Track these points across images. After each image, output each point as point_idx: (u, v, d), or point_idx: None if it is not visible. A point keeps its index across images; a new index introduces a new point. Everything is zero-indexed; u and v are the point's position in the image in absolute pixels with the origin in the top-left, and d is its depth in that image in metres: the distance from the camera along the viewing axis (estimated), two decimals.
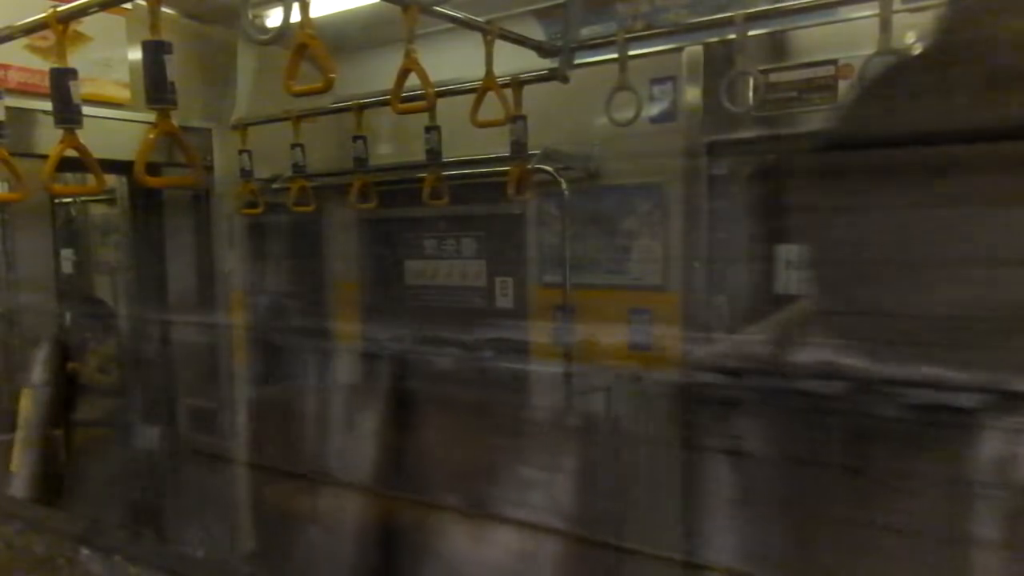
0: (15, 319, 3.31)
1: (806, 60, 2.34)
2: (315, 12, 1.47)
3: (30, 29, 1.90)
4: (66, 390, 3.22)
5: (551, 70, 2.19)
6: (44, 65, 2.22)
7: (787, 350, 1.84)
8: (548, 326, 2.94)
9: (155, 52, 1.57)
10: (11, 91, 2.31)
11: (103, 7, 1.79)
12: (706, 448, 2.01)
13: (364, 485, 2.96)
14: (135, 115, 2.72)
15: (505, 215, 3.09)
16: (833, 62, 2.29)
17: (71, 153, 1.78)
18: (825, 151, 1.40)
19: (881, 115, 1.27)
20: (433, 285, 3.42)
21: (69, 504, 3.15)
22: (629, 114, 2.19)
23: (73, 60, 1.75)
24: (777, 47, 2.41)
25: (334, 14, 2.71)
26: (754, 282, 2.50)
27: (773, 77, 2.36)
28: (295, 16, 1.39)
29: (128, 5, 2.23)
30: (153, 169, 2.54)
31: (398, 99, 1.85)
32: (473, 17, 2.02)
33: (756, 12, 2.01)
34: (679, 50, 2.46)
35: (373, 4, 2.40)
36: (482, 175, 2.87)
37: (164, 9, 1.55)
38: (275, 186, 3.16)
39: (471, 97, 2.17)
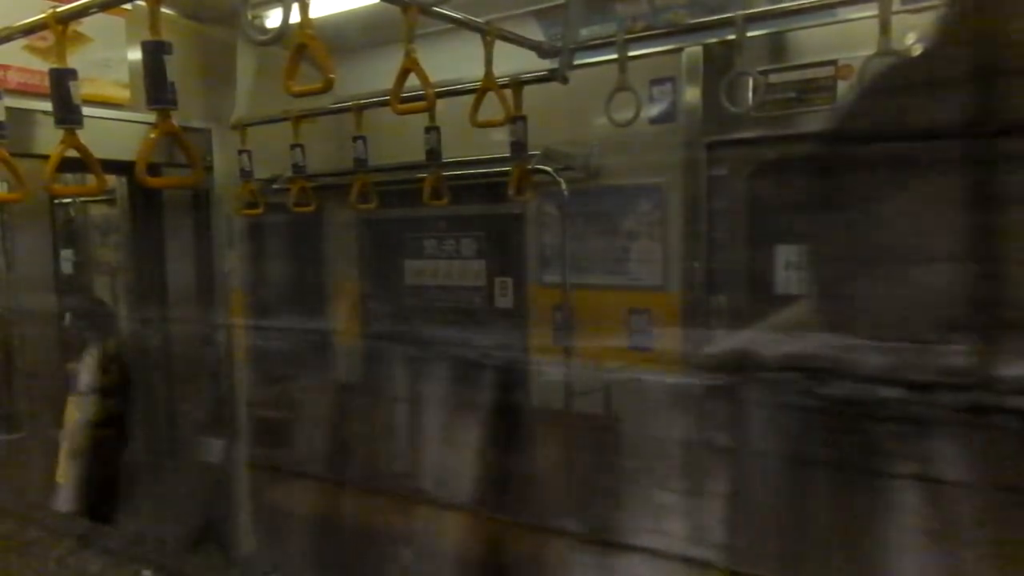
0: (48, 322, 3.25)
1: (805, 61, 2.34)
2: (315, 12, 1.46)
3: (30, 30, 1.89)
4: (115, 398, 3.17)
5: (551, 71, 2.19)
6: (44, 66, 2.22)
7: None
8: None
9: (155, 52, 1.56)
10: (11, 92, 2.31)
11: (103, 7, 1.78)
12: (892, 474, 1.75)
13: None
14: (135, 115, 2.72)
15: (505, 215, 3.09)
16: (833, 63, 2.29)
17: (72, 153, 1.78)
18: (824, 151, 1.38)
19: (880, 115, 1.27)
20: (433, 285, 3.43)
21: (121, 520, 3.08)
22: (629, 115, 2.19)
23: (73, 60, 1.74)
24: (777, 48, 2.41)
25: (334, 14, 2.71)
26: (754, 282, 2.50)
27: (773, 78, 2.36)
28: (295, 16, 1.39)
29: (128, 5, 2.23)
30: (153, 169, 2.54)
31: (398, 99, 1.84)
32: (473, 18, 2.02)
33: (756, 13, 2.02)
34: (679, 51, 2.47)
35: (373, 4, 2.40)
36: (482, 175, 2.87)
37: (164, 9, 1.55)
38: (275, 186, 3.16)
39: (471, 97, 2.17)
